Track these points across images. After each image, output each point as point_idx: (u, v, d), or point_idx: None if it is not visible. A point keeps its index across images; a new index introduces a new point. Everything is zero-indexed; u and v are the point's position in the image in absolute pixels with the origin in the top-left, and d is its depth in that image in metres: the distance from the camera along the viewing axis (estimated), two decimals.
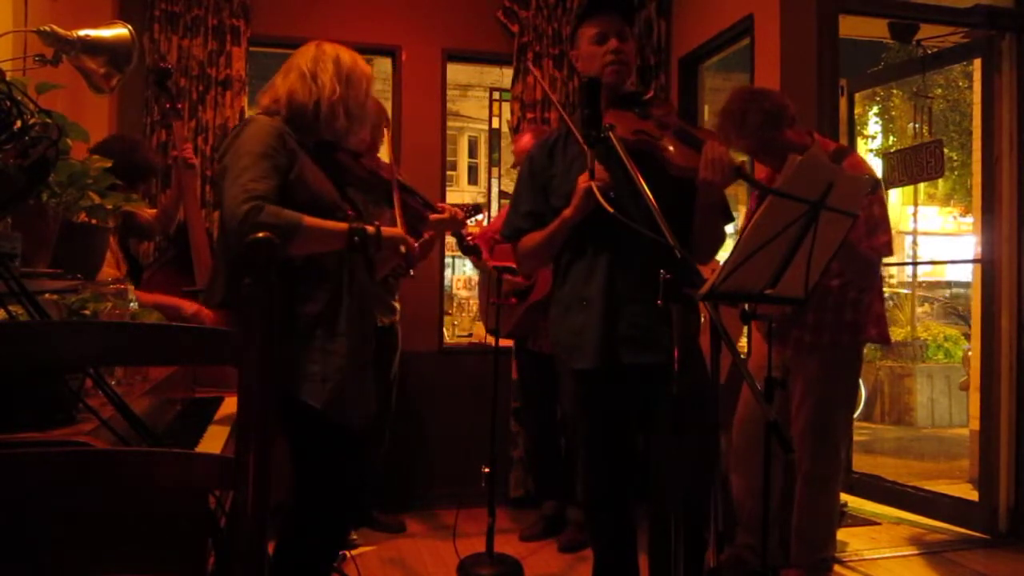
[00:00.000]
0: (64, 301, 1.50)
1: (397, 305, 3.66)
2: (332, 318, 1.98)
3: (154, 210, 3.27)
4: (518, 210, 2.32)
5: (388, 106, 4.33)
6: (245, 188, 1.83)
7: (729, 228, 2.38)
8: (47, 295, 1.43)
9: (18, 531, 1.09)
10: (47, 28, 1.79)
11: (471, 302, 9.44)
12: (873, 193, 2.58)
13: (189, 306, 2.85)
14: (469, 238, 3.17)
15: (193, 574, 1.17)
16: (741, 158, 2.24)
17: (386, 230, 2.03)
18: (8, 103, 1.37)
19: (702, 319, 2.61)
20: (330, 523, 2.06)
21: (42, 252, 1.54)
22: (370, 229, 1.98)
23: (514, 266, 3.40)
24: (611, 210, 1.88)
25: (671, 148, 2.09)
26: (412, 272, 2.25)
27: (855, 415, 6.00)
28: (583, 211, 2.08)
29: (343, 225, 1.97)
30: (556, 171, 2.26)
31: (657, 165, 2.06)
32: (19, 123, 1.38)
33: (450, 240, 4.33)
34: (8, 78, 1.42)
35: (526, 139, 3.57)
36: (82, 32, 1.86)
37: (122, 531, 1.13)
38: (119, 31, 1.94)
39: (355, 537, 3.46)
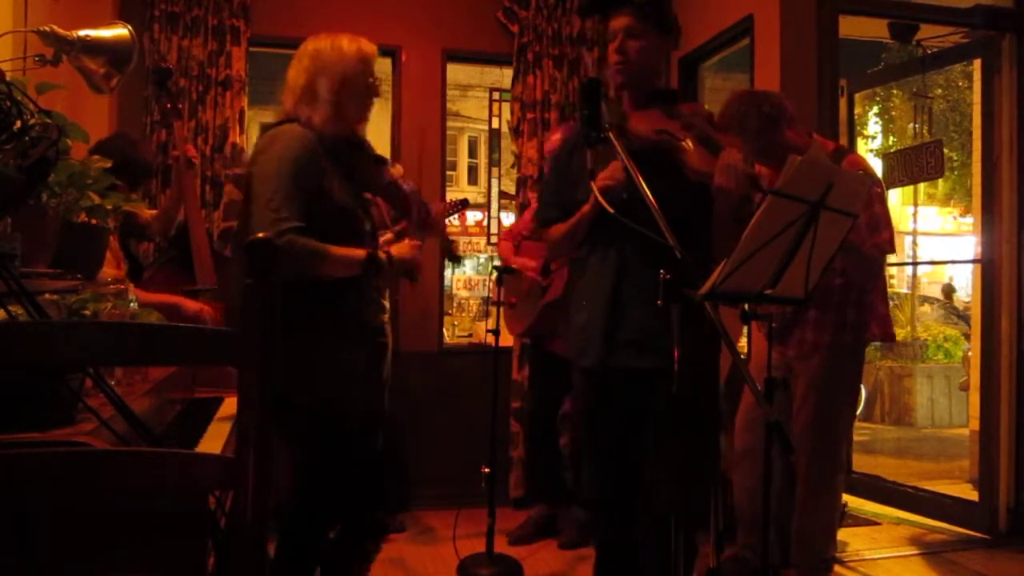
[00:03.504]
0: (64, 301, 1.50)
1: (387, 304, 3.66)
2: (330, 317, 1.99)
3: (154, 211, 3.27)
4: (546, 199, 2.35)
5: (388, 107, 4.33)
6: (277, 215, 1.90)
7: None
8: (47, 295, 1.43)
9: (18, 531, 1.09)
10: (47, 28, 1.79)
11: (471, 302, 9.45)
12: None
13: (191, 305, 2.85)
14: (453, 246, 3.20)
15: (193, 574, 1.17)
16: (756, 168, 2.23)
17: (397, 254, 2.12)
18: (8, 103, 1.37)
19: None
20: (334, 522, 2.07)
21: (42, 252, 1.53)
22: (382, 255, 2.08)
23: (514, 267, 3.41)
24: (611, 210, 1.88)
25: (690, 151, 2.06)
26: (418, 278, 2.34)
27: (855, 415, 6.01)
28: (598, 209, 2.07)
29: (361, 253, 2.04)
30: (581, 163, 2.25)
31: (675, 165, 2.05)
32: (19, 123, 1.38)
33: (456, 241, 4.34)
34: (8, 78, 1.42)
35: (556, 137, 3.54)
36: (82, 32, 1.85)
37: (122, 531, 1.13)
38: (119, 31, 1.93)
39: None
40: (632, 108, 2.17)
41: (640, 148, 1.96)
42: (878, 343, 2.96)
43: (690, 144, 2.07)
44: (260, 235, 1.03)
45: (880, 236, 2.64)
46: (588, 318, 2.17)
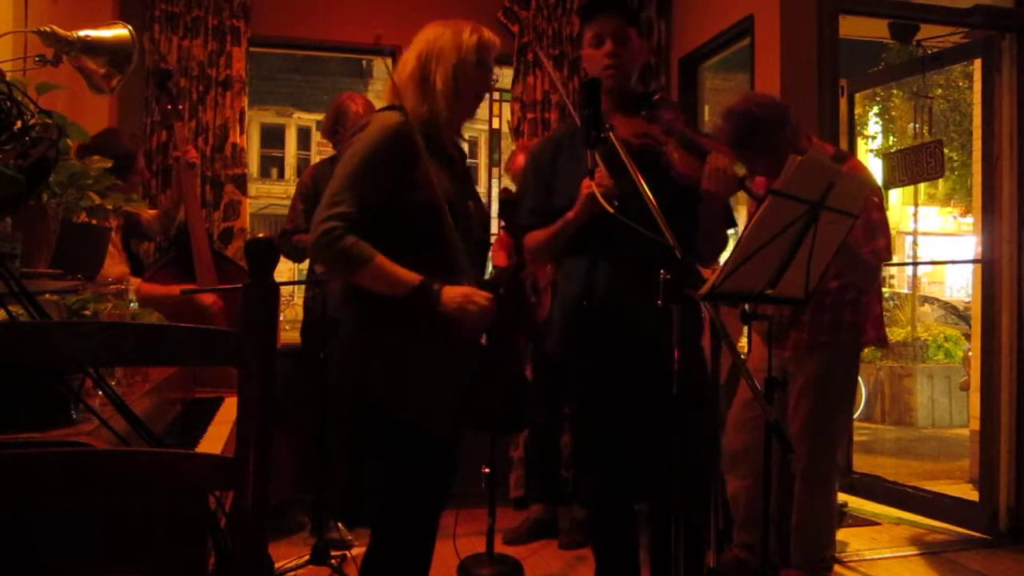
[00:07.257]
0: (64, 301, 1.50)
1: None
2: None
3: (155, 211, 3.28)
4: (523, 206, 2.32)
5: None
6: (334, 205, 1.77)
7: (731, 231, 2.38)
8: (47, 295, 1.43)
9: (18, 531, 1.09)
10: (47, 28, 1.79)
11: None
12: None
13: (204, 297, 2.86)
14: None
15: (193, 574, 1.17)
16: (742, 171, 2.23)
17: (449, 292, 1.82)
18: (8, 103, 1.37)
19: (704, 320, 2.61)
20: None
21: (42, 252, 1.53)
22: (436, 287, 1.80)
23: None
24: (611, 210, 1.88)
25: (675, 155, 2.07)
26: None
27: (855, 415, 6.00)
28: (585, 215, 2.07)
29: (413, 279, 1.79)
30: (560, 169, 2.25)
31: (659, 169, 2.05)
32: (19, 123, 1.38)
33: None
34: (8, 78, 1.42)
35: (519, 160, 3.55)
36: (82, 32, 1.86)
37: (122, 531, 1.13)
38: (119, 31, 1.93)
39: (350, 538, 3.45)
40: (614, 112, 2.17)
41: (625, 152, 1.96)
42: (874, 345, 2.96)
43: (673, 150, 2.08)
44: (261, 235, 1.03)
45: (876, 242, 2.64)
46: (582, 322, 2.17)
